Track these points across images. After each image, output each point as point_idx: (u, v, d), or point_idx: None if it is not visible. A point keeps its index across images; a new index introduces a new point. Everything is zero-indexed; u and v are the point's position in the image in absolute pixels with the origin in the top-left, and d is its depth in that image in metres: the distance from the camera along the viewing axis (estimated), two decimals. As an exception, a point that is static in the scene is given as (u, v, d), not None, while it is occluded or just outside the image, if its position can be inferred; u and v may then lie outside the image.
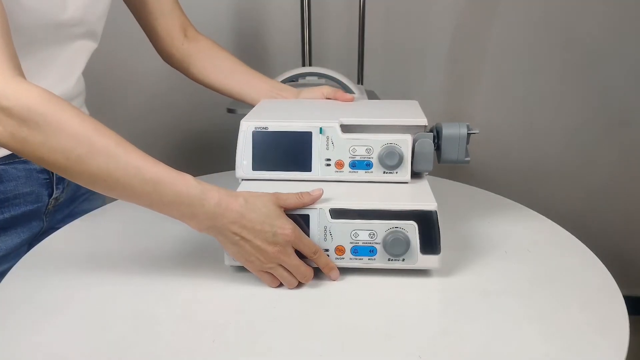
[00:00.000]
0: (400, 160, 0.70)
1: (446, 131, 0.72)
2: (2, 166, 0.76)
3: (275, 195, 0.63)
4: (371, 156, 0.70)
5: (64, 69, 0.80)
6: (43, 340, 0.55)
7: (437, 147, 0.73)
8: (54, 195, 0.84)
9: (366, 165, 0.71)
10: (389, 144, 0.70)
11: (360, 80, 1.44)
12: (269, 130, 0.71)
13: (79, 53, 0.82)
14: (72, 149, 0.56)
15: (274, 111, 0.78)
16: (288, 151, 0.71)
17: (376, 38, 1.52)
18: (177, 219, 0.61)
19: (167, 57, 0.94)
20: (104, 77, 1.46)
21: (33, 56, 0.73)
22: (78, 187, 0.90)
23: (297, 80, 1.19)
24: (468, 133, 0.72)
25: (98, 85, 1.00)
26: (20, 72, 0.60)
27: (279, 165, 0.71)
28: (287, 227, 0.61)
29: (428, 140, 0.70)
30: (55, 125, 0.56)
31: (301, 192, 0.64)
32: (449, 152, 0.72)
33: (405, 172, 0.71)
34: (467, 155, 0.73)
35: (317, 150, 0.71)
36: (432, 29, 1.54)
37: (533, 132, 1.64)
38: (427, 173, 0.74)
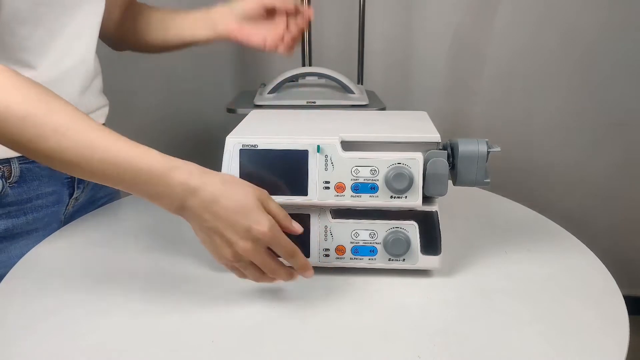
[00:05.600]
0: (410, 183, 0.61)
1: (463, 149, 0.63)
2: (25, 165, 0.74)
3: (262, 192, 0.57)
4: (376, 178, 0.62)
5: (76, 37, 0.75)
6: (42, 339, 0.55)
7: (452, 167, 0.64)
8: (74, 195, 0.84)
9: (371, 188, 0.62)
10: (397, 164, 0.62)
11: (360, 80, 1.44)
12: (258, 148, 0.63)
13: (87, 19, 0.77)
14: (21, 133, 0.53)
15: (264, 125, 0.72)
16: (280, 172, 0.63)
17: (376, 38, 1.52)
18: (147, 199, 0.56)
19: (112, 43, 0.88)
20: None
21: (44, 25, 0.70)
22: (97, 188, 0.90)
23: (297, 80, 1.19)
24: (488, 151, 0.63)
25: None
26: None
27: (270, 188, 0.61)
28: (264, 224, 0.55)
29: (442, 160, 0.62)
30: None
31: (288, 215, 0.59)
32: (466, 173, 0.63)
33: (415, 197, 0.62)
34: (486, 176, 0.64)
35: (314, 172, 0.62)
36: (432, 29, 1.54)
37: (533, 132, 1.64)
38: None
